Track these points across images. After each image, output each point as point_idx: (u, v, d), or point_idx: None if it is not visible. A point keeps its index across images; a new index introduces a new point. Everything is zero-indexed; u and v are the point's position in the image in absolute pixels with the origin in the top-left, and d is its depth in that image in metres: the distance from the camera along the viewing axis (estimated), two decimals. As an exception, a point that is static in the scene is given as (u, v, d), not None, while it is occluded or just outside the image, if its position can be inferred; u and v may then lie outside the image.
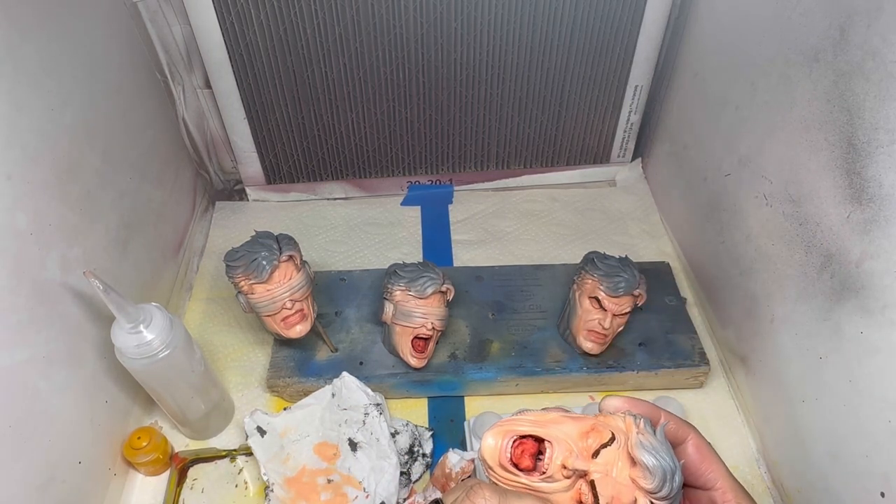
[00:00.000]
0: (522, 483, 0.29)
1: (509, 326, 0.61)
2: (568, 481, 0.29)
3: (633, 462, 0.29)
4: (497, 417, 0.55)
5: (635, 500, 0.28)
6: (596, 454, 0.29)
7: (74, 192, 0.49)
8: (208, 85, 0.69)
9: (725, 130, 0.59)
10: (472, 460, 0.52)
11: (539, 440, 0.29)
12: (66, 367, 0.46)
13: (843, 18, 0.42)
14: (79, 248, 0.49)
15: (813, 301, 0.47)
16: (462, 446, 0.56)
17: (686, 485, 0.33)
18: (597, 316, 0.55)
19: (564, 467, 0.28)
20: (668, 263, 0.68)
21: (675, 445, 0.32)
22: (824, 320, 0.45)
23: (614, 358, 0.59)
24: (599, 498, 0.28)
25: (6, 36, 0.42)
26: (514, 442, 0.30)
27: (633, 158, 0.82)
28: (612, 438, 0.29)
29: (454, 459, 0.51)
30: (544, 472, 0.29)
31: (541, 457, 0.30)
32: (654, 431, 0.30)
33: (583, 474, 0.28)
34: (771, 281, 0.53)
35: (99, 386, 0.51)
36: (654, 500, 0.28)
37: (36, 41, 0.46)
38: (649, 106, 0.76)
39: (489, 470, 0.30)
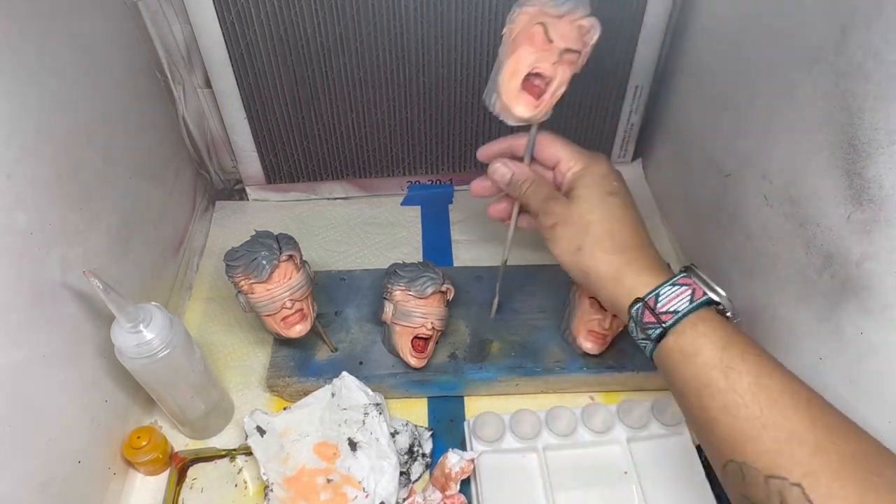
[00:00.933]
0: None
1: (509, 326, 0.61)
2: (560, 68, 0.42)
3: (562, 18, 0.41)
4: (497, 417, 0.55)
5: (580, 26, 0.41)
6: (549, 42, 0.42)
7: (74, 191, 0.49)
8: (208, 84, 0.69)
9: (726, 131, 0.59)
10: (472, 460, 0.52)
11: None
12: (66, 366, 0.46)
13: (843, 18, 0.42)
14: (79, 248, 0.49)
15: (813, 302, 0.47)
16: (462, 446, 0.56)
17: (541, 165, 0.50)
18: (596, 316, 0.55)
19: (554, 65, 0.41)
20: (669, 264, 0.68)
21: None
22: (824, 321, 0.45)
23: (614, 358, 0.59)
24: (573, 48, 0.41)
25: (6, 35, 0.42)
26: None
27: (634, 159, 0.82)
28: (545, 26, 0.41)
29: (454, 459, 0.51)
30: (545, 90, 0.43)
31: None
32: None
33: (561, 54, 0.42)
34: (771, 281, 0.53)
35: (98, 385, 0.51)
36: (584, 17, 0.41)
37: (36, 40, 0.46)
38: (649, 106, 0.76)
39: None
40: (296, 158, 0.76)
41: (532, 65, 0.41)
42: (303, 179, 0.79)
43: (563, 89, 0.42)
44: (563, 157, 0.48)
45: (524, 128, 0.46)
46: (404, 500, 0.52)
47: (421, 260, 0.58)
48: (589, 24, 0.41)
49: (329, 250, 0.74)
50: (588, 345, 0.56)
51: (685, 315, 0.40)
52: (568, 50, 0.41)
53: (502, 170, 0.50)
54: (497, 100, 0.44)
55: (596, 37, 0.41)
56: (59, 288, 0.46)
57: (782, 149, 0.50)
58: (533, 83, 0.42)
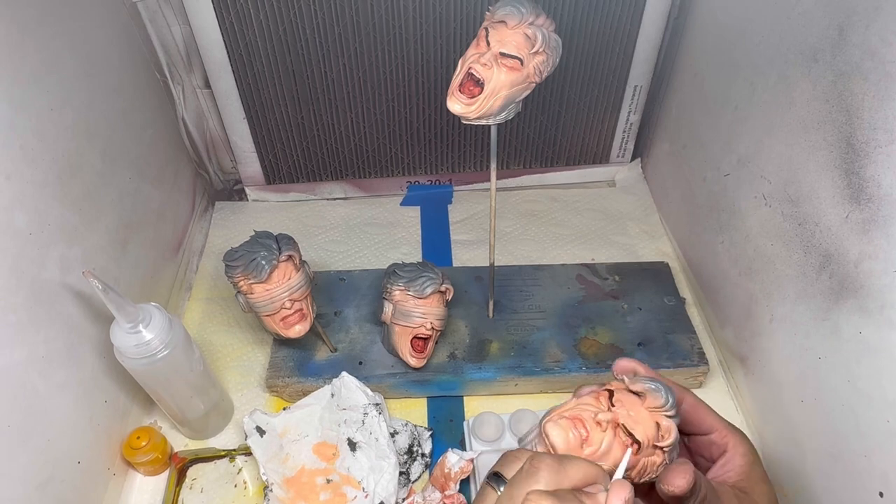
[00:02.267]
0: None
1: (508, 326, 0.61)
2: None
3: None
4: (497, 417, 0.55)
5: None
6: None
7: (74, 192, 0.49)
8: (208, 85, 0.69)
9: (725, 130, 0.59)
10: (472, 460, 0.52)
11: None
12: (65, 366, 0.46)
13: (841, 18, 0.42)
14: (78, 248, 0.49)
15: (812, 301, 0.47)
16: (461, 446, 0.56)
17: (689, 433, 0.41)
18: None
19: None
20: (668, 263, 0.68)
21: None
22: (823, 320, 0.45)
23: (613, 358, 0.58)
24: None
25: (6, 35, 0.43)
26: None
27: (633, 158, 0.82)
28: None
29: (453, 459, 0.51)
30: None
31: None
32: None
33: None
34: (770, 281, 0.53)
35: (98, 386, 0.51)
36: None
37: (36, 41, 0.46)
38: (649, 106, 0.76)
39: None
40: (295, 159, 0.76)
41: (470, 65, 0.42)
42: (302, 180, 0.79)
43: (504, 92, 0.42)
44: (724, 429, 0.40)
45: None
46: (404, 499, 0.52)
47: (420, 260, 0.58)
48: (532, 33, 0.41)
49: (328, 250, 0.74)
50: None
51: None
52: (504, 55, 0.41)
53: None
54: None
55: (539, 45, 0.41)
56: (58, 288, 0.46)
57: (781, 148, 0.50)
58: (470, 83, 0.42)
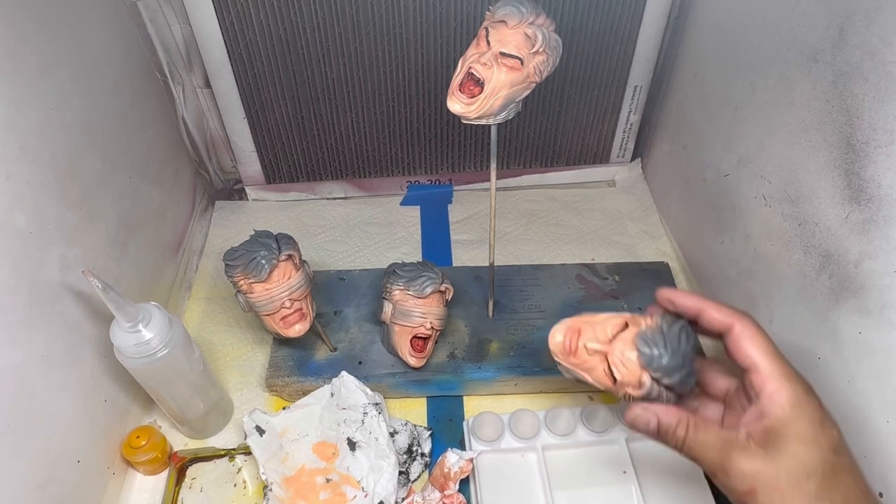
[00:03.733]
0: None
1: (508, 326, 0.61)
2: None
3: (505, 23, 0.39)
4: (496, 417, 0.55)
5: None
6: (488, 44, 0.39)
7: (74, 191, 0.49)
8: (208, 84, 0.69)
9: (725, 131, 0.59)
10: (471, 460, 0.52)
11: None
12: (65, 366, 0.47)
13: (841, 18, 0.42)
14: (78, 248, 0.49)
15: (811, 301, 0.47)
16: (461, 446, 0.56)
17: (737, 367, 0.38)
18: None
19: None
20: (667, 263, 0.68)
21: (723, 334, 0.38)
22: (823, 321, 0.45)
23: (613, 358, 0.59)
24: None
25: (6, 35, 0.43)
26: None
27: (633, 159, 0.82)
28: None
29: (453, 459, 0.51)
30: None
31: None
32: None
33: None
34: (770, 281, 0.53)
35: (98, 385, 0.51)
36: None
37: (35, 41, 0.46)
38: (649, 106, 0.76)
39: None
40: (295, 158, 0.76)
41: (470, 65, 0.42)
42: (302, 179, 0.79)
43: (504, 92, 0.42)
44: (765, 370, 0.35)
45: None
46: (403, 499, 0.52)
47: (420, 260, 0.58)
48: (532, 33, 0.41)
49: (328, 250, 0.74)
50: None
51: None
52: (504, 54, 0.41)
53: (644, 416, 0.37)
54: None
55: (539, 45, 0.41)
56: (58, 288, 0.46)
57: (781, 148, 0.50)
58: (470, 83, 0.43)
